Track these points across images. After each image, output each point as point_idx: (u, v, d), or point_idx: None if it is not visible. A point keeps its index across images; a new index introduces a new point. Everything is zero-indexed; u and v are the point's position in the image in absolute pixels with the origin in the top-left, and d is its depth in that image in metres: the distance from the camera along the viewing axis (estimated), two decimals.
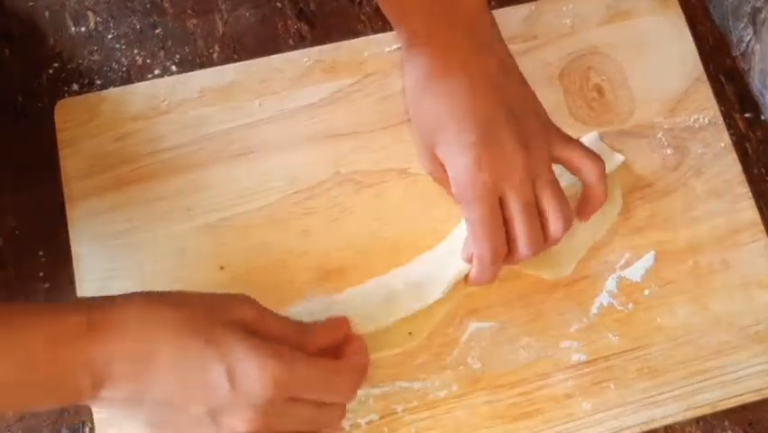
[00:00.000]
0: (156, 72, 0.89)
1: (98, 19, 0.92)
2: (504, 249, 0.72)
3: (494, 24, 0.76)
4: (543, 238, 0.72)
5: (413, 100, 0.75)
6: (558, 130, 0.75)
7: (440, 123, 0.72)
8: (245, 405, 0.61)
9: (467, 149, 0.70)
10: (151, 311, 0.62)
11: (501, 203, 0.71)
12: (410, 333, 0.78)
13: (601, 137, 0.84)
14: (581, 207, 0.77)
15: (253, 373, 0.61)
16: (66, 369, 0.59)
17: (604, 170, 0.74)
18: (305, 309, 0.77)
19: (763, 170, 0.87)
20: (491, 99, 0.71)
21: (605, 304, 0.79)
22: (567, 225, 0.72)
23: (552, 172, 0.72)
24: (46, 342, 0.58)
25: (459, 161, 0.70)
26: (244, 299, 0.67)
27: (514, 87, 0.74)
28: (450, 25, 0.73)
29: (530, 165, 0.70)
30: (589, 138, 0.84)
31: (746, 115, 0.89)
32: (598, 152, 0.76)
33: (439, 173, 0.75)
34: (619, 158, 0.83)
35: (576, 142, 0.75)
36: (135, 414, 0.63)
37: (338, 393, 0.67)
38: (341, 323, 0.73)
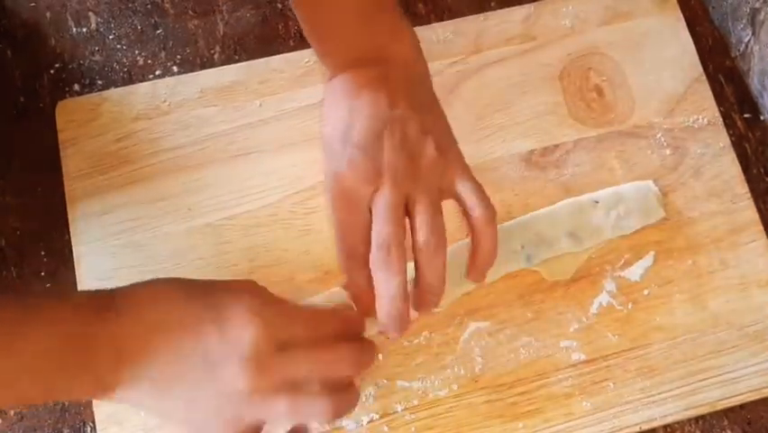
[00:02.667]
0: (157, 73, 0.89)
1: (99, 20, 0.92)
2: (359, 254, 0.68)
3: (422, 68, 0.74)
4: (402, 241, 0.67)
5: (324, 119, 0.72)
6: (459, 161, 0.71)
7: (336, 134, 0.69)
8: (236, 356, 0.62)
9: (345, 155, 0.68)
10: (157, 295, 0.65)
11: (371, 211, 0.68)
12: None
13: (656, 184, 0.84)
14: (470, 261, 0.71)
15: (239, 321, 0.62)
16: (88, 352, 0.61)
17: (494, 217, 0.70)
18: (325, 299, 0.78)
19: (762, 170, 0.87)
20: (387, 114, 0.68)
21: (604, 304, 0.80)
22: (437, 239, 0.68)
23: (433, 198, 0.68)
24: (68, 330, 0.61)
25: (335, 163, 0.68)
26: (252, 282, 0.68)
27: (421, 117, 0.70)
28: (372, 63, 0.71)
29: (406, 171, 0.68)
30: (644, 185, 0.83)
31: (745, 115, 0.89)
32: (646, 202, 0.78)
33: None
34: (660, 213, 0.82)
35: (473, 181, 0.71)
36: (147, 395, 0.64)
37: (334, 352, 0.66)
38: (355, 320, 0.71)
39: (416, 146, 0.68)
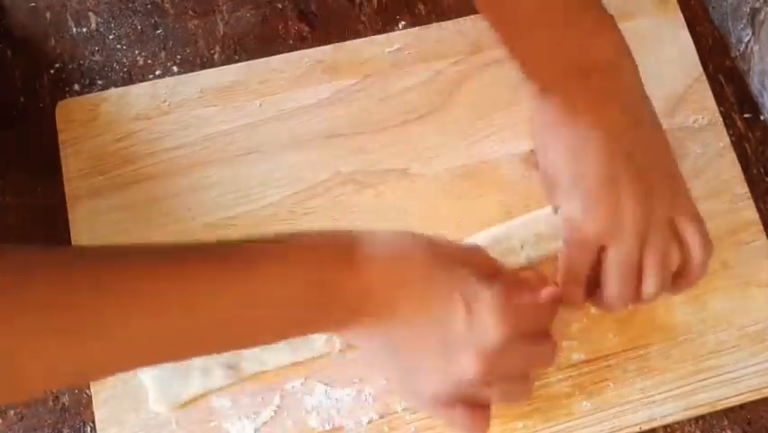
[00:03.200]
0: (157, 73, 0.89)
1: (99, 20, 0.92)
2: (581, 298, 0.72)
3: (631, 70, 0.74)
4: (631, 297, 0.71)
5: (539, 146, 0.75)
6: (684, 194, 0.73)
7: (558, 167, 0.71)
8: (477, 344, 0.63)
9: (577, 202, 0.69)
10: (404, 249, 0.66)
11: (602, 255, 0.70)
12: None
13: None
14: (677, 280, 0.72)
15: (488, 315, 0.63)
16: (330, 299, 0.63)
17: (710, 255, 0.72)
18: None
19: (762, 170, 0.87)
20: (614, 151, 0.69)
21: None
22: (660, 288, 0.70)
23: (666, 233, 0.70)
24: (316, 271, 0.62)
25: (569, 207, 0.70)
26: (479, 251, 0.71)
27: (643, 139, 0.71)
28: (582, 74, 0.70)
29: (642, 224, 0.68)
30: None
31: (746, 115, 0.89)
32: None
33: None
34: None
35: (699, 221, 0.72)
36: (380, 342, 0.66)
37: (545, 347, 0.69)
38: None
39: (648, 184, 0.69)
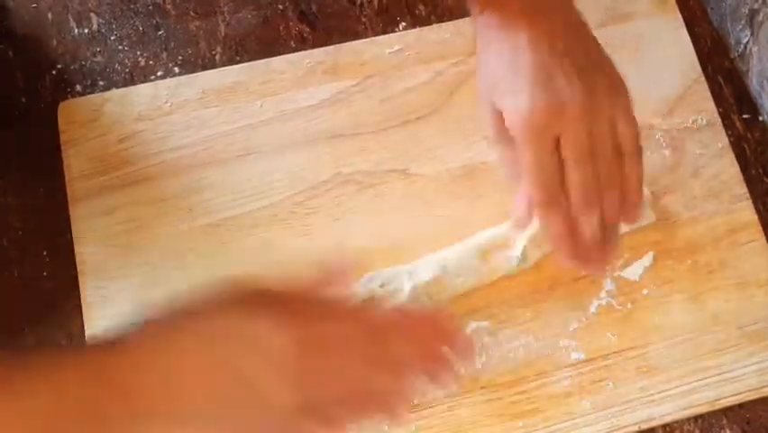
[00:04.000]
0: (159, 74, 0.89)
1: (101, 21, 0.92)
2: (558, 193, 0.69)
3: None
4: (599, 186, 0.69)
5: (482, 62, 0.75)
6: (624, 94, 0.73)
7: (499, 74, 0.71)
8: (275, 370, 0.57)
9: (521, 93, 0.69)
10: (165, 331, 0.58)
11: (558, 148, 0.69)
12: None
13: (655, 184, 0.84)
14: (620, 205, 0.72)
15: (268, 331, 0.57)
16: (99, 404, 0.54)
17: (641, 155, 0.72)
18: (373, 280, 0.78)
19: (760, 170, 0.87)
20: (554, 51, 0.70)
21: (603, 303, 0.80)
22: (615, 179, 0.70)
23: (610, 128, 0.70)
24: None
25: (512, 104, 0.70)
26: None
27: (580, 42, 0.73)
28: None
29: (588, 114, 0.69)
30: None
31: (744, 115, 0.89)
32: None
33: (497, 127, 0.73)
34: (651, 217, 0.82)
35: (633, 122, 0.73)
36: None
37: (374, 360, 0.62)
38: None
39: (591, 80, 0.70)
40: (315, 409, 0.58)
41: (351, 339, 0.61)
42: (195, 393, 0.56)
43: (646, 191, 0.82)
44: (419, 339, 0.63)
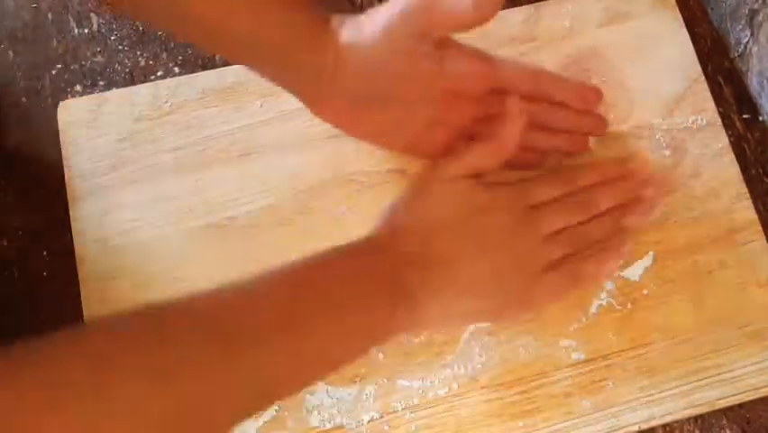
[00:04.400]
0: (159, 74, 0.89)
1: (101, 20, 0.92)
2: None
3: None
4: None
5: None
6: None
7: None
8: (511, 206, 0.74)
9: None
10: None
11: None
12: None
13: None
14: None
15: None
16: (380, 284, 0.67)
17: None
18: None
19: (760, 170, 0.87)
20: None
21: (604, 303, 0.80)
22: None
23: None
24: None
25: None
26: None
27: None
28: None
29: None
30: None
31: (744, 116, 0.89)
32: None
33: None
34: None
35: None
36: (452, 299, 0.70)
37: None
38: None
39: None
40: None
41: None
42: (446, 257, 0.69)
43: None
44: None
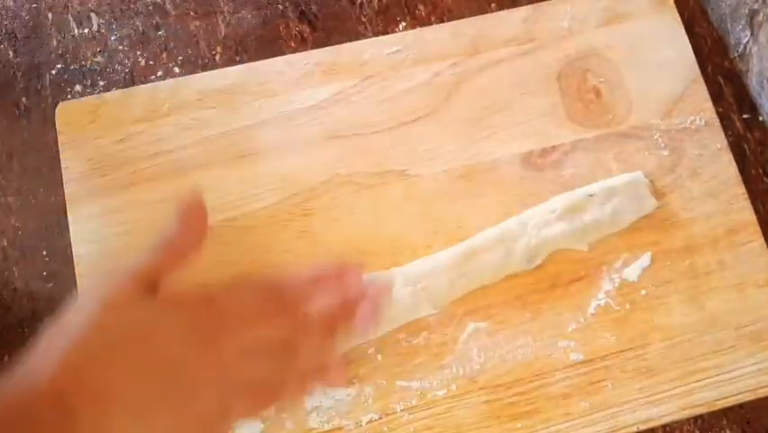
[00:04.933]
0: (159, 74, 0.89)
1: (101, 21, 0.92)
2: None
3: None
4: None
5: None
6: None
7: None
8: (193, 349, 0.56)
9: None
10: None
11: None
12: None
13: (647, 176, 0.84)
14: None
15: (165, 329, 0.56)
16: None
17: None
18: None
19: (760, 170, 0.87)
20: None
21: (602, 304, 0.80)
22: None
23: None
24: None
25: None
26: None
27: None
28: None
29: None
30: (634, 176, 0.83)
31: (744, 116, 0.89)
32: (638, 192, 0.81)
33: None
34: (653, 203, 0.83)
35: None
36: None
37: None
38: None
39: None
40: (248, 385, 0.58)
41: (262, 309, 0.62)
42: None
43: (644, 179, 0.83)
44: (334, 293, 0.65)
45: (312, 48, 0.90)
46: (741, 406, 0.79)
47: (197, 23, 0.92)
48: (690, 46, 0.89)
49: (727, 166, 0.85)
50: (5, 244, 0.84)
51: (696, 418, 0.78)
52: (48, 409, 0.50)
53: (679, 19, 0.90)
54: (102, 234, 0.81)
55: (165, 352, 0.55)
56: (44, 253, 0.83)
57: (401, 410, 0.76)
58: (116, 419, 0.52)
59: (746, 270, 0.81)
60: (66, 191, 0.83)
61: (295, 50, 0.90)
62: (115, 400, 0.52)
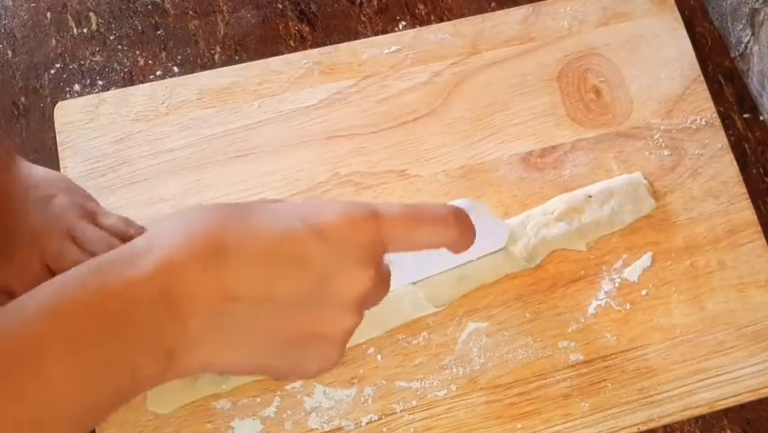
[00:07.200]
0: (158, 73, 0.89)
1: (100, 20, 0.92)
2: None
3: None
4: None
5: None
6: None
7: None
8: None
9: None
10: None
11: None
12: None
13: (647, 176, 0.84)
14: None
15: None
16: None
17: None
18: None
19: (761, 170, 0.87)
20: None
21: (602, 304, 0.80)
22: None
23: None
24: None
25: None
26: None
27: None
28: None
29: None
30: (633, 177, 0.83)
31: (745, 115, 0.89)
32: (636, 193, 0.80)
33: None
34: (652, 204, 0.82)
35: None
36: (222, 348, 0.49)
37: None
38: None
39: None
40: None
41: None
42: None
43: (644, 181, 0.82)
44: None
45: (311, 47, 0.90)
46: (742, 406, 0.79)
47: (196, 22, 0.92)
48: (690, 45, 0.89)
49: (728, 166, 0.85)
50: None
51: (696, 418, 0.78)
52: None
53: (679, 18, 0.90)
54: None
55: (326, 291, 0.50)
56: None
57: (401, 411, 0.76)
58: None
59: (747, 270, 0.81)
60: None
61: (294, 50, 0.90)
62: (268, 300, 0.49)
